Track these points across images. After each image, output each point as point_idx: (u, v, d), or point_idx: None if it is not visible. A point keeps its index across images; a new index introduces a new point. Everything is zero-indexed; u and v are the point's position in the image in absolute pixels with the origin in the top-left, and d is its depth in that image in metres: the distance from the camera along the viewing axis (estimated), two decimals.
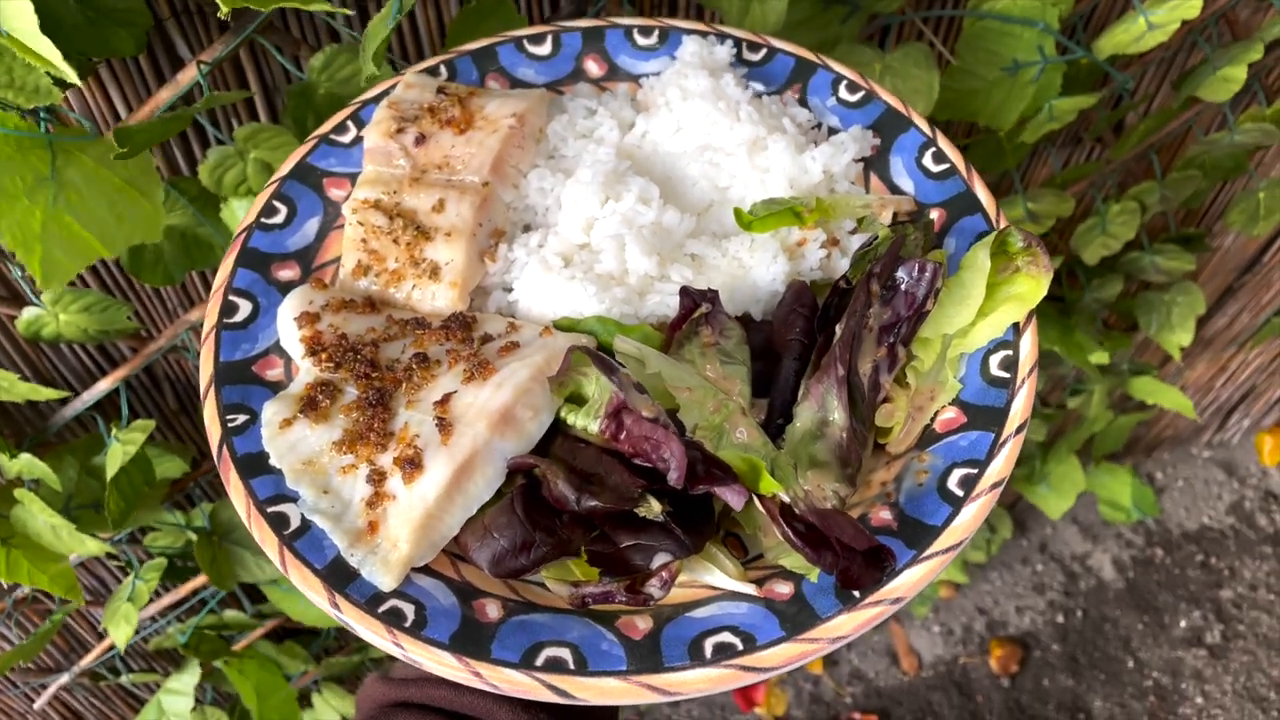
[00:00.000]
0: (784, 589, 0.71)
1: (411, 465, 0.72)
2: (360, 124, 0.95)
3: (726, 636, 0.68)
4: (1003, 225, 0.85)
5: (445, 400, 0.75)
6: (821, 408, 0.73)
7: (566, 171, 0.91)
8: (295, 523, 0.73)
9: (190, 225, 1.17)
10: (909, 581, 0.69)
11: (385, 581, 0.70)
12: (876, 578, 0.68)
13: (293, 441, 0.76)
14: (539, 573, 0.71)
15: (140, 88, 1.14)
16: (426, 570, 0.72)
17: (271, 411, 0.78)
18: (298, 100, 1.09)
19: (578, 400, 0.75)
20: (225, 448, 0.76)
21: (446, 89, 0.94)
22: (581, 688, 0.66)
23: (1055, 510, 2.32)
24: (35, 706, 1.72)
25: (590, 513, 0.69)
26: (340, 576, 0.70)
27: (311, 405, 0.77)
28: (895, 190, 0.92)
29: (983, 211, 0.87)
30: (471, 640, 0.68)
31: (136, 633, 1.61)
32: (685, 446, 0.65)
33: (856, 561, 0.67)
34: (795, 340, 0.77)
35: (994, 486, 0.73)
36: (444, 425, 0.73)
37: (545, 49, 1.01)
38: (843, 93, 0.96)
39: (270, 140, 1.10)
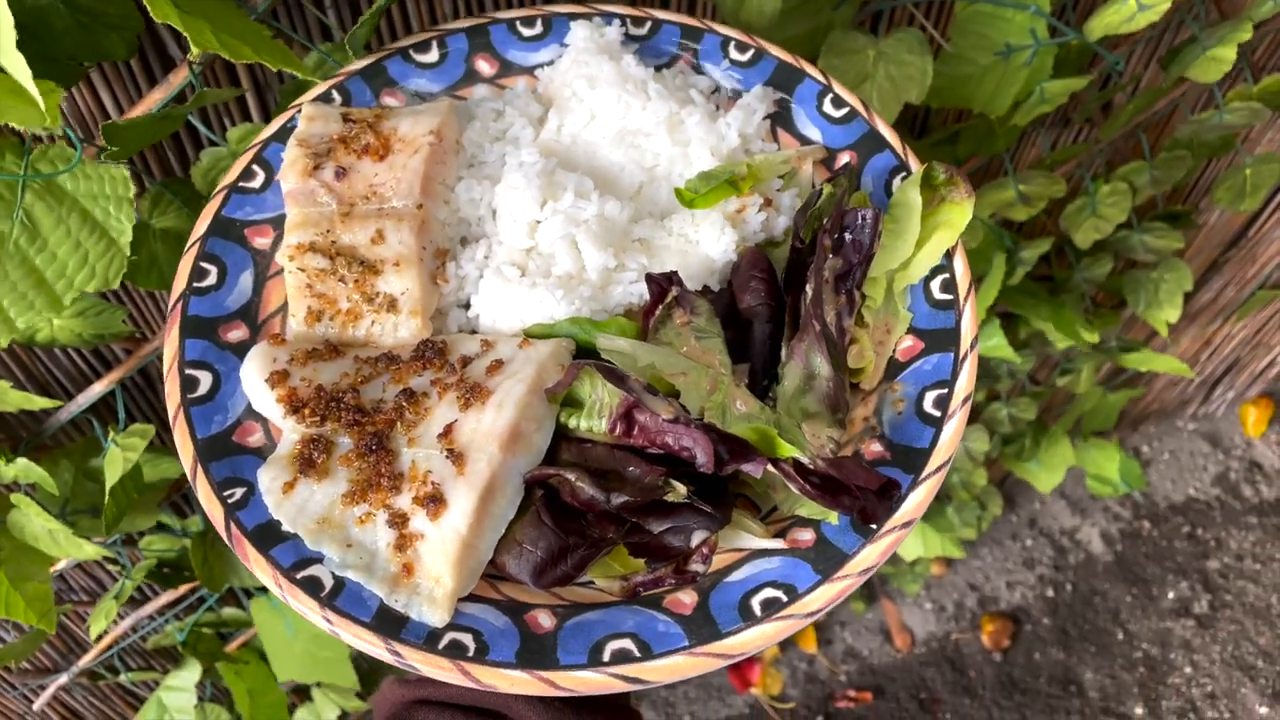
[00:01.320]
0: (806, 536, 0.76)
1: (434, 501, 0.73)
2: (266, 166, 0.92)
3: (769, 592, 0.73)
4: (910, 158, 0.92)
5: (448, 431, 0.76)
6: (806, 364, 0.78)
7: (492, 178, 0.91)
8: (329, 582, 0.73)
9: (184, 228, 1.14)
10: (914, 504, 0.76)
11: (437, 618, 0.71)
12: (888, 508, 0.75)
13: (300, 503, 0.75)
14: (584, 575, 0.74)
15: (132, 90, 1.11)
16: (470, 598, 0.74)
17: (269, 478, 0.77)
18: (291, 99, 1.06)
19: (574, 403, 0.78)
20: (234, 525, 0.75)
21: (352, 115, 0.92)
22: (652, 672, 0.70)
23: (1046, 485, 2.36)
24: (34, 707, 1.72)
25: (620, 508, 0.72)
26: (390, 623, 0.71)
27: (308, 463, 0.77)
28: (804, 140, 0.96)
29: (890, 148, 0.93)
30: (536, 653, 0.70)
31: (134, 631, 1.63)
32: (707, 433, 0.69)
33: (869, 498, 0.73)
34: (763, 305, 0.81)
35: (965, 401, 0.80)
36: (455, 456, 0.74)
37: (433, 56, 1.00)
38: (733, 53, 1.00)
39: None
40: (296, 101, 0.96)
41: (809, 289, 0.78)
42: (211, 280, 0.87)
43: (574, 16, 1.01)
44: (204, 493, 0.76)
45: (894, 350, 0.85)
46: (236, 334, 0.85)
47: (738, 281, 0.84)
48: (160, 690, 1.63)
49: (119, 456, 1.17)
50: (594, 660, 0.70)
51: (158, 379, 1.46)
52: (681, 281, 0.81)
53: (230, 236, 0.89)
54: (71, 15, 0.88)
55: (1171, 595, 2.78)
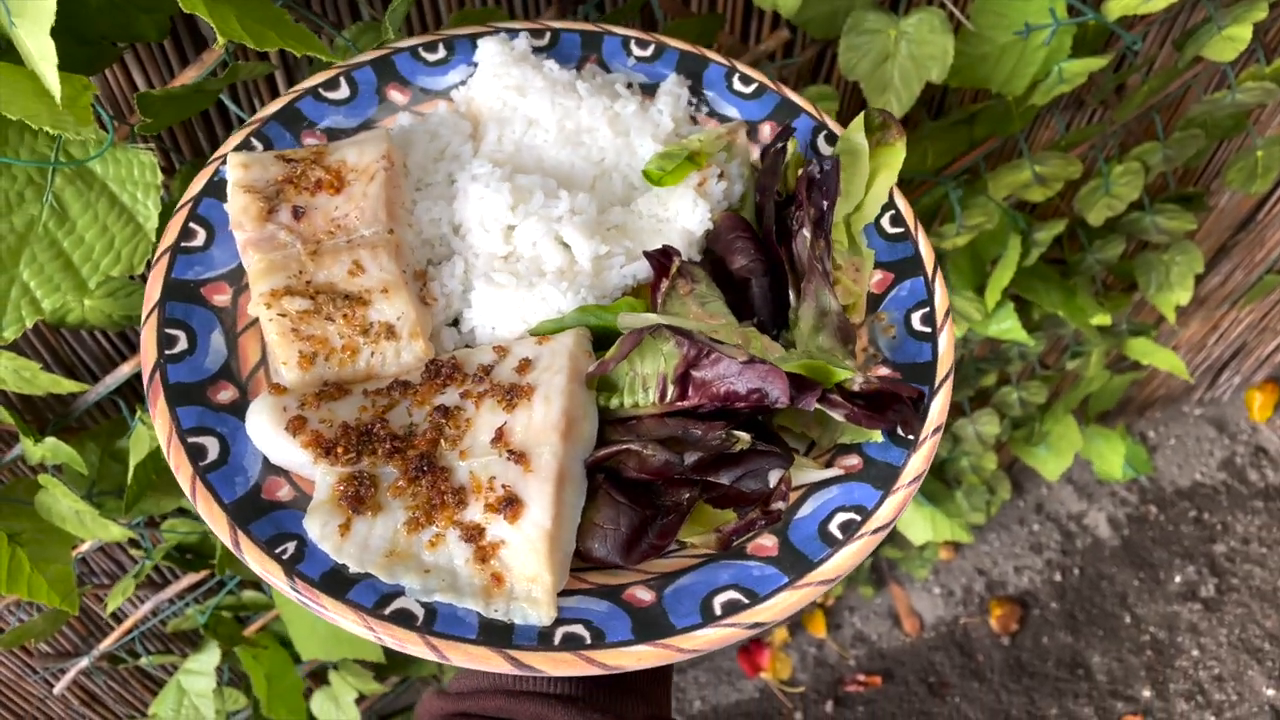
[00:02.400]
0: (853, 460, 0.81)
1: (510, 504, 0.71)
2: (204, 223, 0.87)
3: (842, 516, 0.77)
4: (825, 117, 1.00)
5: (501, 435, 0.75)
6: (817, 303, 0.82)
7: (445, 197, 0.91)
8: (419, 611, 0.70)
9: None
10: (937, 411, 0.82)
11: (544, 615, 0.70)
12: (921, 418, 0.80)
13: (361, 542, 0.72)
14: (671, 542, 0.75)
15: (165, 70, 1.15)
16: (564, 593, 0.73)
17: (319, 525, 0.72)
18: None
19: (608, 387, 0.79)
20: (298, 579, 0.70)
21: (289, 155, 0.89)
22: (766, 612, 0.71)
23: (1053, 471, 2.37)
24: (55, 691, 1.74)
25: (693, 468, 0.74)
26: (498, 634, 0.69)
27: (357, 501, 0.73)
28: (723, 118, 1.02)
29: (805, 112, 1.00)
30: (654, 626, 0.70)
31: (154, 614, 1.66)
32: (778, 371, 0.72)
33: (905, 411, 0.79)
34: (755, 262, 0.86)
35: (947, 314, 0.87)
36: (516, 456, 0.73)
37: (343, 92, 0.98)
38: (636, 50, 1.04)
39: None
40: (217, 154, 0.91)
41: (805, 233, 0.83)
42: (183, 345, 0.81)
43: (475, 36, 1.02)
44: (252, 555, 0.71)
45: (868, 286, 0.91)
46: (226, 394, 0.80)
47: (722, 246, 0.88)
48: (179, 674, 1.64)
49: (145, 435, 1.19)
50: (708, 617, 0.71)
51: None
52: (679, 254, 0.84)
53: (189, 299, 0.83)
54: None
55: (1178, 579, 2.81)
